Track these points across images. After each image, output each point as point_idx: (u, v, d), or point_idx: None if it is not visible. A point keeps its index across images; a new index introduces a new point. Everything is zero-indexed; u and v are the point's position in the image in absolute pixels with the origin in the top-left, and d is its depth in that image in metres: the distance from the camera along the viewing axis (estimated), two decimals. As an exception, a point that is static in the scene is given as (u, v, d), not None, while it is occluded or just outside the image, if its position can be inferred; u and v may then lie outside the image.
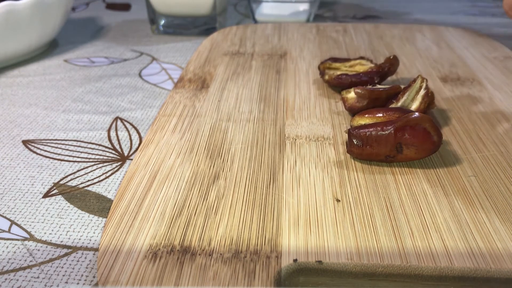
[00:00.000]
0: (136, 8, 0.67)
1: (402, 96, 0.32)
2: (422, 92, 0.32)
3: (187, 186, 0.27)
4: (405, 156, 0.28)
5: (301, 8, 0.59)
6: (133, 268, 0.22)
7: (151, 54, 0.50)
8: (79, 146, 0.34)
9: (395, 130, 0.27)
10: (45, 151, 0.33)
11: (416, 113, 0.28)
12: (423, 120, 0.27)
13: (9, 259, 0.24)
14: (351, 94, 0.33)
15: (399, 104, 0.32)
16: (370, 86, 0.34)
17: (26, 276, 0.23)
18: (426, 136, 0.27)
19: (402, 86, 0.33)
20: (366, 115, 0.30)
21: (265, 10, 0.60)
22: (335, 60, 0.39)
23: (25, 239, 0.25)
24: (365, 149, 0.28)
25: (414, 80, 0.33)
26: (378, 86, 0.34)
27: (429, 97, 0.32)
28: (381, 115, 0.30)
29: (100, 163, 0.32)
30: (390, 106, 0.32)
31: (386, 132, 0.27)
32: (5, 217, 0.27)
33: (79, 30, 0.58)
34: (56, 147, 0.34)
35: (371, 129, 0.28)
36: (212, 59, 0.45)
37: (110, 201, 0.28)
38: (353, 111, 0.33)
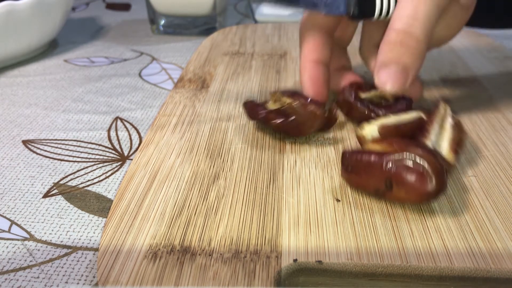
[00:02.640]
0: (136, 8, 0.67)
1: (431, 126, 0.28)
2: (448, 121, 0.28)
3: (187, 186, 0.27)
4: (395, 196, 0.24)
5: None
6: (133, 268, 0.22)
7: (151, 54, 0.50)
8: (79, 146, 0.34)
9: (387, 161, 0.24)
10: (45, 151, 0.33)
11: (419, 148, 0.24)
12: (423, 159, 0.23)
13: (9, 259, 0.24)
14: (370, 131, 0.28)
15: (430, 141, 0.27)
16: (390, 118, 0.29)
17: (26, 276, 0.23)
18: (421, 179, 0.23)
19: (423, 114, 0.29)
20: (382, 143, 0.26)
21: (265, 10, 0.60)
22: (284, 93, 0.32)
23: (25, 239, 0.25)
24: (353, 177, 0.26)
25: (437, 107, 0.28)
26: (394, 117, 0.29)
27: (459, 128, 0.28)
28: (396, 146, 0.25)
29: (100, 163, 0.32)
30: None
31: (377, 161, 0.24)
32: (5, 217, 0.27)
33: (79, 30, 0.58)
34: (56, 147, 0.34)
35: (364, 155, 0.25)
36: (212, 59, 0.45)
37: (110, 201, 0.28)
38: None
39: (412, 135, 0.28)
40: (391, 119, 0.28)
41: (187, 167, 0.29)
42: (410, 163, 0.23)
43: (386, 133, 0.28)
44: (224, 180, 0.28)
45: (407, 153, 0.24)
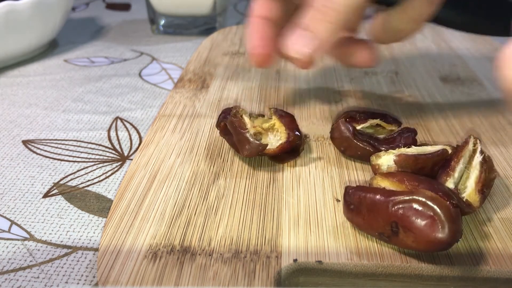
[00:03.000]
0: (136, 8, 0.67)
1: (456, 163, 0.25)
2: (477, 158, 0.25)
3: (187, 186, 0.27)
4: (401, 242, 0.22)
5: (301, 8, 0.59)
6: (133, 268, 0.22)
7: (151, 54, 0.50)
8: (79, 146, 0.34)
9: (394, 202, 0.21)
10: (45, 151, 0.33)
11: (433, 188, 0.22)
12: (435, 202, 0.21)
13: (9, 259, 0.24)
14: (386, 161, 0.26)
15: (453, 179, 0.24)
16: (410, 149, 0.26)
17: (26, 276, 0.23)
18: (431, 225, 0.20)
19: (449, 148, 0.26)
20: (392, 178, 0.24)
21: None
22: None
23: (25, 239, 0.25)
24: (355, 216, 0.23)
25: (466, 142, 0.25)
26: (416, 149, 0.26)
27: (488, 166, 0.25)
28: (399, 182, 0.23)
29: (100, 163, 0.32)
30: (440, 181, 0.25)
31: (382, 200, 0.22)
32: (5, 217, 0.27)
33: (79, 30, 0.58)
34: (56, 147, 0.34)
35: (369, 193, 0.22)
36: (212, 59, 0.45)
37: (110, 201, 0.28)
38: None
39: (432, 171, 0.25)
40: (411, 149, 0.26)
41: (187, 167, 0.29)
42: (420, 206, 0.21)
43: (403, 164, 0.25)
44: (224, 180, 0.28)
45: (418, 193, 0.21)
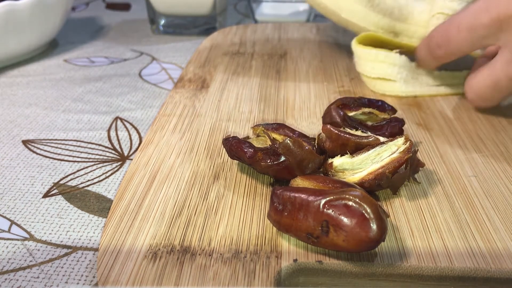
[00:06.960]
0: (136, 8, 0.67)
1: (368, 150, 0.26)
2: (390, 155, 0.25)
3: (187, 186, 0.27)
4: (331, 242, 0.21)
5: (301, 8, 0.59)
6: (133, 268, 0.22)
7: (151, 54, 0.50)
8: (79, 146, 0.34)
9: (325, 202, 0.21)
10: (45, 151, 0.33)
11: (359, 191, 0.22)
12: (365, 201, 0.21)
13: (9, 259, 0.24)
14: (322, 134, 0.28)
15: (374, 149, 0.26)
16: (346, 130, 0.28)
17: (26, 276, 0.23)
18: (362, 222, 0.21)
19: (384, 139, 0.27)
20: (310, 180, 0.24)
21: (265, 10, 0.60)
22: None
23: (25, 239, 0.25)
24: (283, 217, 0.22)
25: (397, 139, 0.26)
26: (354, 133, 0.27)
27: (394, 165, 0.25)
28: (322, 184, 0.24)
29: (100, 163, 0.32)
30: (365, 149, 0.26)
31: (313, 199, 0.22)
32: (5, 217, 0.27)
33: (79, 30, 0.58)
34: (56, 147, 0.34)
35: (299, 193, 0.22)
36: (212, 59, 0.45)
37: (110, 201, 0.28)
38: (321, 152, 0.28)
39: (356, 151, 0.26)
40: (359, 133, 0.27)
41: (187, 167, 0.29)
42: (351, 204, 0.21)
43: (328, 135, 0.27)
44: (224, 180, 0.28)
45: (348, 192, 0.21)
